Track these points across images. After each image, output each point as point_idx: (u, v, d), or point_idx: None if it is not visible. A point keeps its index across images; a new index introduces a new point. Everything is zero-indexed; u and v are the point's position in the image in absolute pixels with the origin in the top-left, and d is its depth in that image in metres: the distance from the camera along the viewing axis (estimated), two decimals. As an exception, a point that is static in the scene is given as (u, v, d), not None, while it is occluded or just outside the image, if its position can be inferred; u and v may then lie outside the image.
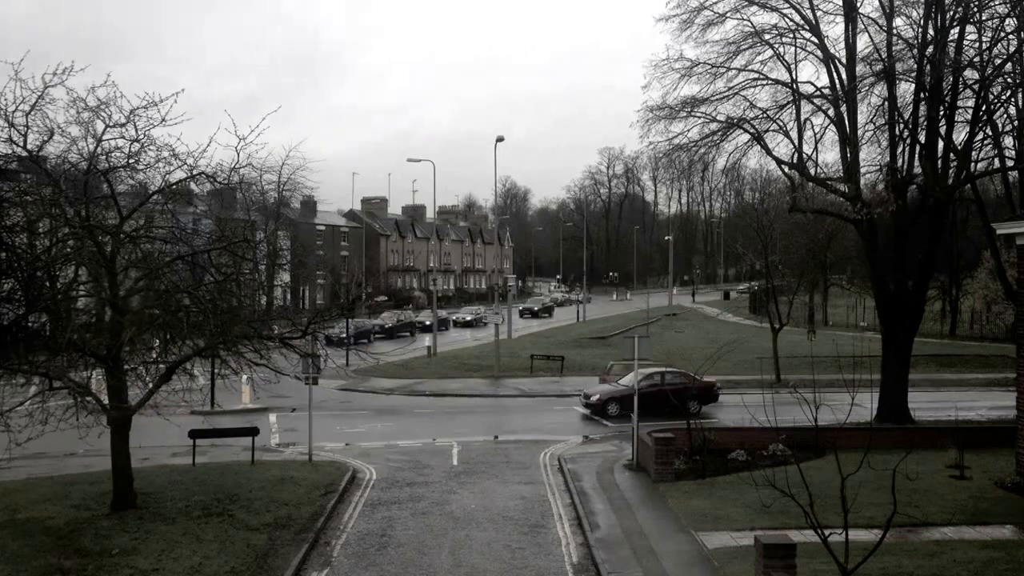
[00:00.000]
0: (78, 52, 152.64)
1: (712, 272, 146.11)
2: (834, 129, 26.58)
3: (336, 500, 17.88)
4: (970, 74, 25.78)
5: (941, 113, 25.26)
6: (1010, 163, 29.31)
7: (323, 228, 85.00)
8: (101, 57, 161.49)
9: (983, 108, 25.71)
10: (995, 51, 25.11)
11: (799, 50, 26.65)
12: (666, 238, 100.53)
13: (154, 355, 17.79)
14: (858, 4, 25.78)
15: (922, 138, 25.55)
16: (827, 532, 9.53)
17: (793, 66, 26.56)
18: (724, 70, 26.76)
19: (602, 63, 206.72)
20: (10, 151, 15.52)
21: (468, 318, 71.80)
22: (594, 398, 29.49)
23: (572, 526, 16.41)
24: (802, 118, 26.61)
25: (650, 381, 28.58)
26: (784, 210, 37.71)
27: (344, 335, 44.34)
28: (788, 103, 26.87)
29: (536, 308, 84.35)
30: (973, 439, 21.73)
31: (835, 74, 25.92)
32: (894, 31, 25.63)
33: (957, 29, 24.90)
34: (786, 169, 28.85)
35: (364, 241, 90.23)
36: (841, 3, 25.64)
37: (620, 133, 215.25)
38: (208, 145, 16.34)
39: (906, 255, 26.21)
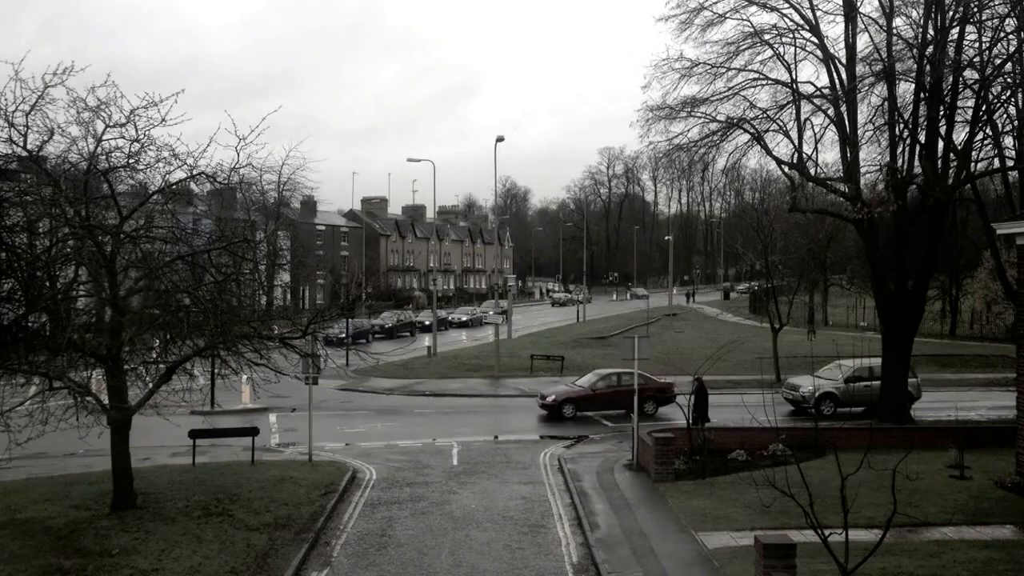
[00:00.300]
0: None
1: (712, 272, 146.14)
2: (834, 129, 26.58)
3: (336, 500, 17.88)
4: (970, 74, 25.77)
5: (941, 113, 25.25)
6: (1010, 163, 29.30)
7: (323, 228, 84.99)
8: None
9: (983, 108, 25.70)
10: (995, 51, 25.11)
11: (799, 50, 26.65)
12: (666, 238, 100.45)
13: (154, 355, 17.79)
14: (858, 4, 25.76)
15: (922, 138, 25.53)
16: (827, 532, 9.52)
17: (793, 66, 26.56)
18: (724, 70, 26.74)
19: (603, 62, 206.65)
20: (10, 151, 15.52)
21: (464, 318, 71.15)
22: (549, 399, 29.63)
23: (572, 526, 16.41)
24: (802, 118, 26.61)
25: (607, 382, 29.72)
26: (784, 210, 37.69)
27: (343, 335, 44.32)
28: (788, 103, 26.85)
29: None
30: (973, 439, 21.73)
31: (835, 74, 25.91)
32: (894, 31, 25.62)
33: (957, 29, 24.89)
34: (786, 169, 28.83)
35: (364, 241, 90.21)
36: (841, 3, 25.62)
37: (620, 133, 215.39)
38: (208, 145, 16.39)
39: (906, 255, 26.19)
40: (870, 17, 26.14)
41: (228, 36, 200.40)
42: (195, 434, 21.17)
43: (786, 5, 26.05)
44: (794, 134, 26.64)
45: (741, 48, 26.48)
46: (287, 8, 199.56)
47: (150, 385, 16.99)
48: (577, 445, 24.65)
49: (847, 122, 25.81)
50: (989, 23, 25.35)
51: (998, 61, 25.03)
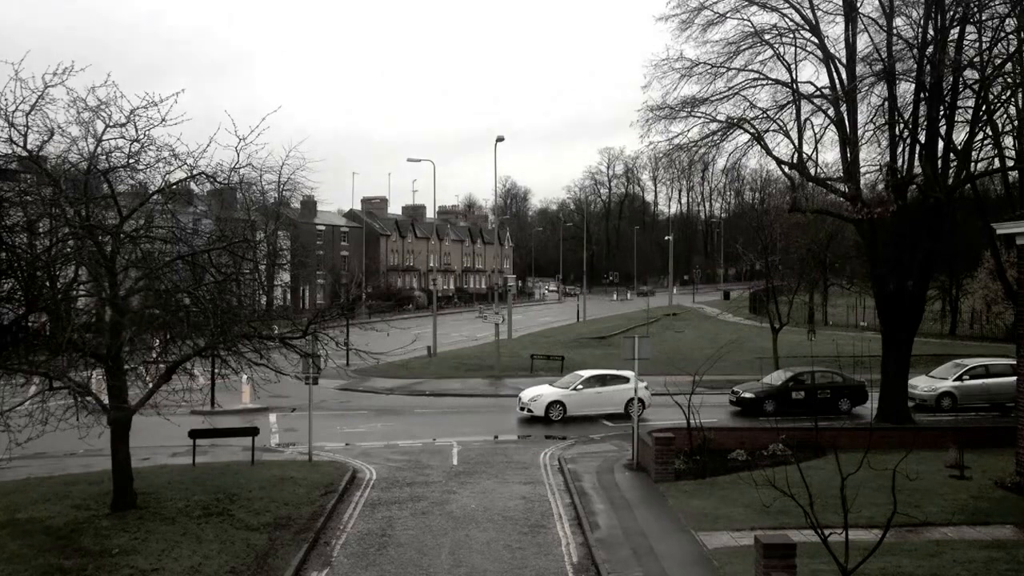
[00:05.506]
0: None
1: (712, 272, 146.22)
2: (834, 129, 26.59)
3: (336, 500, 17.88)
4: (970, 74, 25.78)
5: (941, 113, 25.26)
6: (1010, 163, 29.31)
7: (323, 228, 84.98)
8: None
9: (983, 108, 25.70)
10: (995, 51, 25.13)
11: (799, 50, 26.69)
12: (666, 238, 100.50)
13: (154, 355, 17.79)
14: (858, 4, 25.78)
15: (922, 138, 25.54)
16: (827, 532, 9.52)
17: (793, 66, 26.61)
18: (724, 70, 26.79)
19: (603, 62, 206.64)
20: (10, 151, 15.51)
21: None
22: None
23: (572, 526, 16.41)
24: (802, 118, 26.63)
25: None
26: (784, 210, 37.69)
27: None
28: (788, 103, 26.87)
29: None
30: (973, 439, 21.75)
31: (835, 74, 25.93)
32: (894, 31, 25.65)
33: (957, 29, 24.91)
34: (786, 169, 28.85)
35: (364, 241, 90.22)
36: (841, 3, 25.64)
37: (620, 133, 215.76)
38: (208, 145, 16.40)
39: (906, 255, 26.18)
40: (870, 17, 26.18)
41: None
42: (195, 434, 21.17)
43: (786, 5, 26.10)
44: (794, 134, 26.69)
45: (741, 48, 26.54)
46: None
47: (150, 385, 17.00)
48: (577, 445, 24.65)
49: (847, 122, 25.82)
50: (989, 23, 25.39)
51: (998, 61, 25.03)
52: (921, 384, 30.05)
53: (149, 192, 17.01)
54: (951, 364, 31.61)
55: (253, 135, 16.45)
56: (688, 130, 27.40)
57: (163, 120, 15.70)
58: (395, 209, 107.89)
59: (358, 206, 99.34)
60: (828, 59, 25.88)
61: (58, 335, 14.42)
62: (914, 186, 27.00)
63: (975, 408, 29.13)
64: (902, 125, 26.02)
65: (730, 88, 26.89)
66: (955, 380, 29.73)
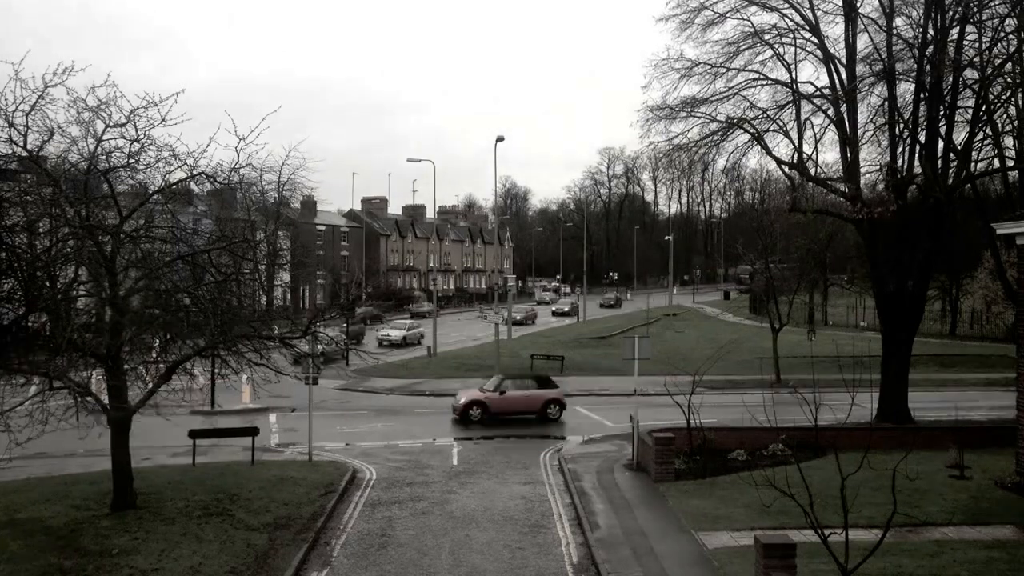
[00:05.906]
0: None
1: (712, 272, 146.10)
2: (834, 129, 26.57)
3: (336, 500, 17.89)
4: (970, 74, 25.76)
5: (941, 113, 25.25)
6: (1010, 163, 29.28)
7: (323, 228, 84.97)
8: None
9: (983, 108, 25.67)
10: (995, 51, 25.10)
11: (799, 50, 26.67)
12: (666, 238, 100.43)
13: (154, 355, 17.80)
14: (858, 4, 25.77)
15: (922, 138, 25.53)
16: (827, 532, 9.53)
17: (793, 66, 26.59)
18: (724, 70, 26.78)
19: (603, 62, 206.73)
20: (10, 151, 15.51)
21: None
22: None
23: (572, 526, 16.42)
24: (802, 118, 26.61)
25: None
26: (784, 210, 37.69)
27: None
28: (788, 103, 26.86)
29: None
30: (973, 439, 21.76)
31: (835, 74, 25.92)
32: (894, 31, 25.63)
33: (957, 29, 24.90)
34: (786, 169, 28.83)
35: (364, 241, 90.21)
36: (841, 3, 25.63)
37: (620, 132, 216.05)
38: (208, 145, 16.42)
39: (906, 255, 26.16)
40: (870, 17, 26.17)
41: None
42: (195, 434, 21.18)
43: (786, 5, 26.08)
44: (794, 134, 26.68)
45: (741, 48, 26.53)
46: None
47: (150, 385, 17.01)
48: (577, 445, 24.64)
49: (847, 122, 25.81)
50: (989, 23, 25.36)
51: (998, 61, 25.00)
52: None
53: (149, 192, 17.02)
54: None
55: (253, 135, 16.48)
56: (688, 130, 27.43)
57: (163, 120, 15.74)
58: (395, 209, 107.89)
59: (358, 206, 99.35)
60: (828, 59, 25.87)
61: (58, 335, 14.42)
62: (914, 186, 26.97)
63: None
64: (902, 125, 26.01)
65: (730, 88, 26.90)
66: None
